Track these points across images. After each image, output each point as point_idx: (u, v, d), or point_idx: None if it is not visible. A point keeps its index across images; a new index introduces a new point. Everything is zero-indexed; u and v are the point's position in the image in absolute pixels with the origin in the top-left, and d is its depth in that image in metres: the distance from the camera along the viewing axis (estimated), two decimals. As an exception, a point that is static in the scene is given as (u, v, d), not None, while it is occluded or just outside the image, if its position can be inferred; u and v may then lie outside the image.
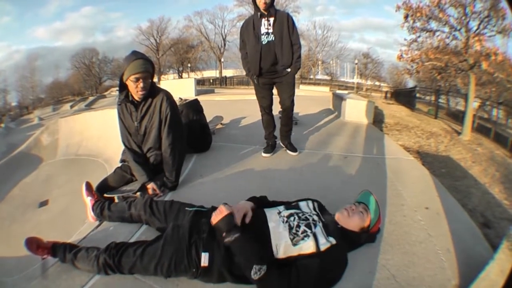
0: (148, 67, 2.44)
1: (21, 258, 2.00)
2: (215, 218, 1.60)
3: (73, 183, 4.98)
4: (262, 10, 3.30)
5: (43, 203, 4.84)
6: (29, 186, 5.89)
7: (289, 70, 3.46)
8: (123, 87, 2.53)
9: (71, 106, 25.28)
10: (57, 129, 7.70)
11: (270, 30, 3.34)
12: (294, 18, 3.48)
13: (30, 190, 5.61)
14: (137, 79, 2.40)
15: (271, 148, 3.83)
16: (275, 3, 3.41)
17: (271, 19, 3.32)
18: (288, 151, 3.83)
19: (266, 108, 3.72)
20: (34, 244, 1.83)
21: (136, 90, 2.45)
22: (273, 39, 3.35)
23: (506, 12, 9.52)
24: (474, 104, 11.13)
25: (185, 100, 4.39)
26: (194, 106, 4.07)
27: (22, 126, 17.36)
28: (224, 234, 1.55)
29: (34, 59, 39.90)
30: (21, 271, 1.95)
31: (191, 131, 3.67)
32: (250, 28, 3.41)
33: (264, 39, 3.36)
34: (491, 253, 1.84)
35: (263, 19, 3.33)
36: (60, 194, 4.98)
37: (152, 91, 2.56)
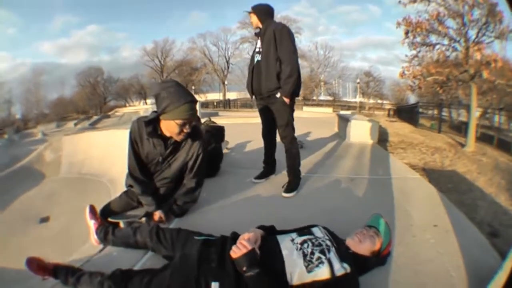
0: (196, 110, 2.31)
1: (21, 271, 1.96)
2: (237, 252, 1.54)
3: (75, 201, 4.94)
4: (255, 28, 3.18)
5: (44, 219, 4.78)
6: (30, 200, 5.85)
7: (278, 95, 3.06)
8: (154, 120, 2.36)
9: (75, 124, 25.46)
10: (60, 146, 7.71)
11: (261, 49, 3.10)
12: (288, 30, 3.01)
13: (31, 205, 5.57)
14: (184, 124, 2.27)
15: (261, 174, 3.63)
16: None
17: (264, 37, 3.06)
18: (282, 192, 3.21)
19: (263, 132, 3.53)
20: (34, 264, 1.81)
21: (179, 133, 2.31)
22: (261, 58, 3.10)
23: (503, 14, 9.60)
24: (476, 113, 11.15)
25: (213, 122, 4.35)
26: (220, 134, 4.07)
27: (25, 139, 17.42)
28: (244, 268, 1.50)
29: (40, 74, 40.73)
30: (20, 283, 1.92)
31: (210, 157, 3.64)
32: (254, 48, 3.26)
33: (257, 58, 3.15)
34: (499, 262, 1.84)
35: (259, 38, 3.15)
36: (61, 212, 4.93)
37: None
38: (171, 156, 2.51)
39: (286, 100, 3.02)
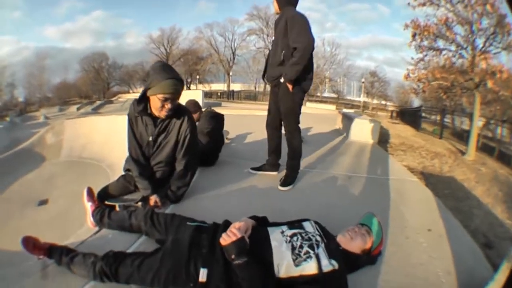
0: (179, 88, 2.37)
1: (16, 253, 1.98)
2: (227, 239, 1.56)
3: (74, 185, 4.96)
4: (277, 15, 3.11)
5: (43, 202, 4.80)
6: (30, 183, 5.87)
7: (281, 80, 2.98)
8: (143, 99, 2.44)
9: (78, 108, 25.35)
10: (62, 130, 7.72)
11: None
12: (300, 17, 2.84)
13: (30, 188, 5.59)
14: (166, 99, 2.33)
15: (259, 167, 3.59)
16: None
17: (278, 24, 2.99)
18: (279, 185, 3.19)
19: (267, 121, 3.46)
20: (30, 244, 1.83)
21: (161, 109, 2.38)
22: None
23: (511, 25, 9.57)
24: (479, 123, 11.14)
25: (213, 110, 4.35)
26: (221, 121, 4.08)
27: (27, 122, 17.31)
28: (233, 256, 1.51)
29: (43, 58, 40.58)
30: (14, 265, 1.93)
31: (213, 143, 3.74)
32: None
33: (272, 46, 3.14)
34: (492, 273, 1.81)
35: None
36: (60, 195, 4.94)
37: (176, 110, 2.48)
38: (161, 137, 2.56)
39: (289, 86, 2.94)
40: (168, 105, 2.35)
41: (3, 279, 1.83)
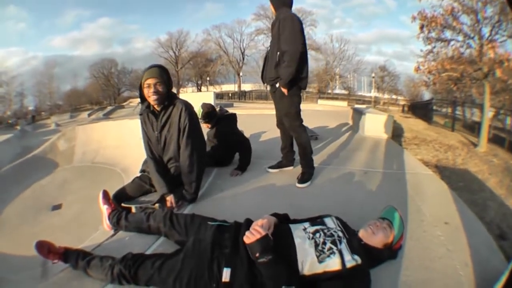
0: (160, 73, 2.50)
1: (28, 258, 2.00)
2: (251, 238, 1.53)
3: (88, 189, 5.00)
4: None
5: (57, 207, 4.84)
6: (43, 189, 5.91)
7: (277, 85, 3.06)
8: (143, 97, 2.57)
9: (89, 115, 25.47)
10: (74, 136, 7.76)
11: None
12: (292, 19, 2.86)
13: (43, 193, 5.62)
14: (149, 85, 2.45)
15: (277, 165, 3.64)
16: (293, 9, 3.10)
17: (274, 26, 2.99)
18: (296, 182, 3.21)
19: (276, 121, 3.51)
20: (45, 248, 1.84)
21: (148, 95, 2.49)
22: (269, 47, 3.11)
23: None
24: (489, 113, 11.01)
25: (226, 111, 4.32)
26: (235, 121, 4.07)
27: (38, 130, 17.48)
28: (257, 254, 1.49)
29: (52, 66, 41.13)
30: (26, 270, 1.95)
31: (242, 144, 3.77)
32: None
33: (269, 47, 3.15)
34: (506, 264, 1.85)
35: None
36: (74, 200, 4.98)
37: (171, 101, 2.59)
38: (165, 131, 2.64)
39: (284, 90, 2.99)
40: (151, 89, 2.46)
41: (17, 284, 1.85)
